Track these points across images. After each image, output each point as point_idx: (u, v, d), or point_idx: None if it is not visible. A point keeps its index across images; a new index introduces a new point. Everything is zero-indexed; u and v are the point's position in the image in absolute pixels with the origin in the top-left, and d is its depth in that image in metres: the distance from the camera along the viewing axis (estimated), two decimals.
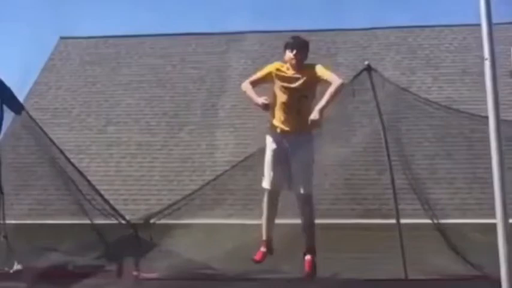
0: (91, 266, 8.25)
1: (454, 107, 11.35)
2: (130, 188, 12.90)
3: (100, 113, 15.12)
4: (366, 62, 8.33)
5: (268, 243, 6.41)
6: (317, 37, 16.65)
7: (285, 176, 6.22)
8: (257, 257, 6.37)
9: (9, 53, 28.17)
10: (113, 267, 8.20)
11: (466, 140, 11.39)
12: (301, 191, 6.14)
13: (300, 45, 6.39)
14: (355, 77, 8.30)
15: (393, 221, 9.14)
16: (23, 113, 8.28)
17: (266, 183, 6.29)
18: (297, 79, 6.27)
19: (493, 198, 4.53)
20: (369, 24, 17.64)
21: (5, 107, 7.89)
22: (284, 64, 6.43)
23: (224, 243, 8.46)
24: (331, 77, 6.32)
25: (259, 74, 6.54)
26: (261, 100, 6.25)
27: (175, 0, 30.15)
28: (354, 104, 8.67)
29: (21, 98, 9.56)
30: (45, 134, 8.67)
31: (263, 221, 6.37)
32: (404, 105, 8.93)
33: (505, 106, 12.49)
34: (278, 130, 6.24)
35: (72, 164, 8.71)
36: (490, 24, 4.67)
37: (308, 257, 6.35)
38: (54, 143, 8.72)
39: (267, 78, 6.48)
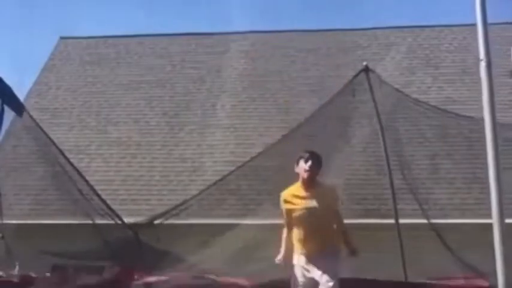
0: (91, 266, 8.25)
1: (454, 107, 11.38)
2: (130, 188, 12.89)
3: (100, 113, 15.12)
4: (364, 63, 8.35)
5: None
6: (317, 37, 16.69)
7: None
8: None
9: (9, 53, 28.18)
10: (112, 267, 8.20)
11: (466, 140, 11.40)
12: (329, 284, 5.96)
13: (315, 158, 6.14)
14: (353, 78, 8.32)
15: (392, 221, 9.15)
16: (24, 113, 8.28)
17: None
18: (310, 197, 6.09)
19: (490, 198, 4.55)
20: (369, 24, 17.66)
21: (5, 107, 7.90)
22: (292, 188, 6.24)
23: (225, 244, 8.47)
24: (339, 218, 6.23)
25: (284, 216, 6.26)
26: (277, 258, 6.23)
27: (175, 0, 30.16)
28: (353, 105, 8.68)
29: (21, 98, 9.56)
30: (46, 134, 8.68)
31: None
32: (403, 106, 8.95)
33: (505, 106, 12.51)
34: (302, 252, 6.12)
35: (72, 164, 8.72)
36: (485, 25, 4.68)
37: None
38: (54, 143, 8.73)
39: (287, 211, 6.20)
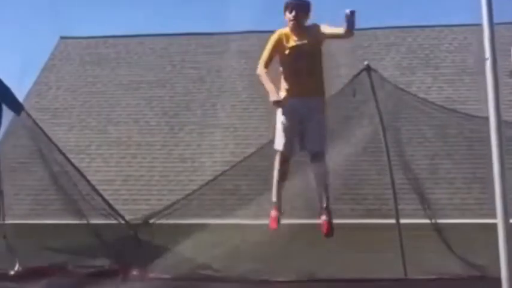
0: (91, 266, 8.25)
1: (454, 107, 11.36)
2: (130, 188, 12.89)
3: (100, 113, 15.11)
4: (366, 62, 8.34)
5: (279, 206, 6.29)
6: None
7: (298, 139, 6.12)
8: (272, 224, 6.26)
9: (9, 53, 28.17)
10: (112, 267, 8.20)
11: (466, 140, 11.39)
12: (316, 149, 6.06)
13: (299, 6, 6.16)
14: (355, 77, 8.31)
15: (393, 220, 9.15)
16: (23, 113, 8.28)
17: (279, 145, 6.17)
18: (300, 40, 6.09)
19: (492, 198, 4.54)
20: (369, 24, 17.63)
21: (4, 107, 7.90)
22: (286, 29, 6.24)
23: (224, 244, 8.46)
24: (336, 28, 6.10)
25: (267, 52, 6.25)
26: (273, 97, 6.03)
27: (175, 0, 30.14)
28: (354, 104, 8.67)
29: (21, 98, 9.58)
30: (45, 134, 8.68)
31: (274, 183, 6.26)
32: (404, 105, 8.94)
33: (505, 106, 12.49)
34: (289, 94, 6.08)
35: (72, 164, 8.72)
36: (491, 23, 4.67)
37: (324, 218, 6.18)
38: (54, 143, 8.73)
39: (276, 49, 6.21)
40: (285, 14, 6.22)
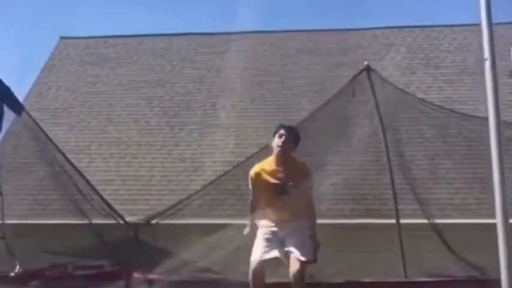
0: (91, 266, 8.25)
1: (454, 107, 11.36)
2: (130, 188, 12.88)
3: (100, 113, 15.12)
4: (366, 62, 8.34)
5: None
6: (317, 37, 16.69)
7: (279, 252, 5.87)
8: None
9: (9, 53, 28.18)
10: (112, 267, 8.20)
11: (466, 140, 11.39)
12: (302, 258, 5.75)
13: (290, 133, 6.05)
14: (355, 77, 8.31)
15: (393, 221, 9.15)
16: (23, 113, 8.28)
17: (252, 260, 5.90)
18: (281, 172, 5.97)
19: (492, 198, 4.54)
20: (369, 24, 17.65)
21: (5, 107, 7.89)
22: (265, 162, 6.16)
23: (224, 244, 8.45)
24: (310, 200, 6.02)
25: (251, 195, 6.15)
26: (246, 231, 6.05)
27: (175, 0, 30.15)
28: (354, 104, 8.68)
29: (21, 98, 9.57)
30: (46, 134, 8.68)
31: None
32: (404, 106, 8.94)
33: (505, 106, 12.49)
34: (269, 227, 5.95)
35: (72, 164, 8.72)
36: (490, 24, 4.67)
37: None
38: (54, 143, 8.73)
39: (257, 186, 6.07)
40: (272, 139, 6.11)
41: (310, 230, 5.99)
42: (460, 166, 12.05)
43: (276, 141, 6.05)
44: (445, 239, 8.86)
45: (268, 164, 6.13)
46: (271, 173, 6.02)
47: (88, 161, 13.37)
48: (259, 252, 5.91)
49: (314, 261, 5.91)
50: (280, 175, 5.98)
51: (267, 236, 6.00)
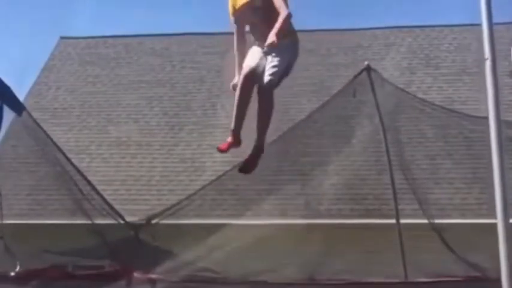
0: (91, 266, 8.25)
1: (454, 107, 11.36)
2: (130, 188, 12.88)
3: (100, 113, 15.11)
4: (366, 62, 8.34)
5: (236, 134, 5.96)
6: (317, 37, 16.67)
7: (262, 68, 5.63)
8: (222, 146, 5.97)
9: (9, 53, 28.18)
10: (112, 267, 8.20)
11: (466, 140, 11.39)
12: (265, 80, 5.52)
13: None
14: (355, 77, 8.31)
15: (393, 221, 9.15)
16: (24, 113, 8.28)
17: (246, 65, 5.73)
18: None
19: (492, 199, 4.54)
20: (369, 24, 17.65)
21: (5, 107, 7.89)
22: None
23: (224, 244, 8.46)
24: (280, 4, 5.80)
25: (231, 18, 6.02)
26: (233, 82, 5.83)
27: (175, 0, 30.15)
28: (354, 104, 8.68)
29: (21, 98, 9.56)
30: (46, 134, 8.68)
31: (234, 108, 5.81)
32: (405, 106, 8.94)
33: (505, 106, 12.49)
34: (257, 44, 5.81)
35: (72, 164, 8.72)
36: (490, 24, 4.68)
37: (253, 153, 5.86)
38: (54, 143, 8.73)
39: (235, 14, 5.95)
40: None
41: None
42: (460, 166, 12.04)
43: None
44: (445, 239, 8.86)
45: None
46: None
47: (88, 161, 13.36)
48: (250, 60, 5.78)
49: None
50: None
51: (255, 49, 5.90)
